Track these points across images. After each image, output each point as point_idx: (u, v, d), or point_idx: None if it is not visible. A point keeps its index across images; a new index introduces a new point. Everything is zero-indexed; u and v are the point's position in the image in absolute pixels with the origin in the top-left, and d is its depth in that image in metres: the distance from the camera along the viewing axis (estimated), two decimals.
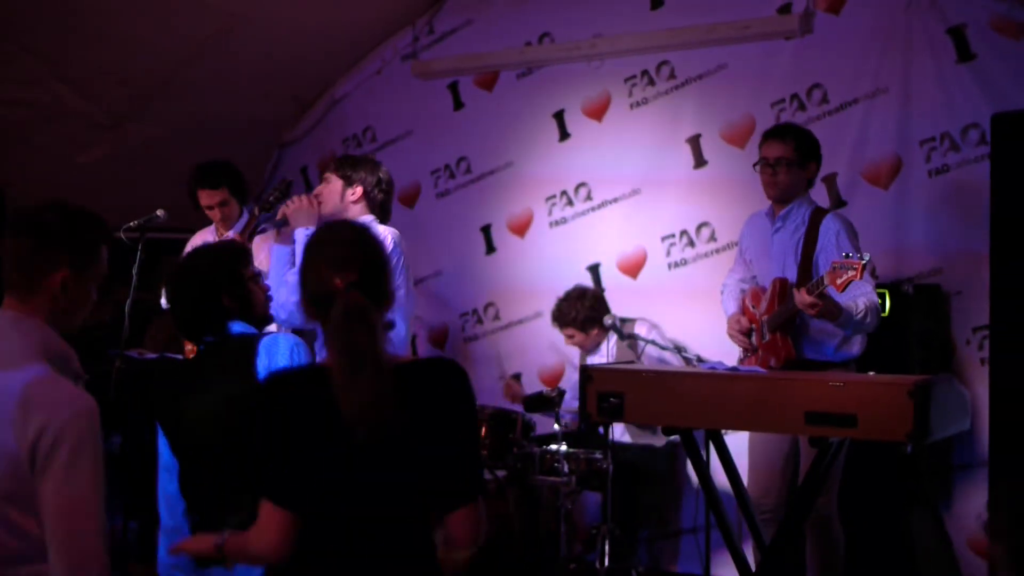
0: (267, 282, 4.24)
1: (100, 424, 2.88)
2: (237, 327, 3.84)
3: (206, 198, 6.28)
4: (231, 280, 3.89)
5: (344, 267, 2.92)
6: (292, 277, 5.21)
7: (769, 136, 5.52)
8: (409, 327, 5.55)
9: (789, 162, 5.39)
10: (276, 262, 5.45)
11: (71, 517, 2.81)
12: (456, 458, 2.89)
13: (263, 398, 2.96)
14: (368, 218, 5.46)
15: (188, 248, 6.30)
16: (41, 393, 2.84)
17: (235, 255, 4.01)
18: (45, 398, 2.84)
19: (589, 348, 6.84)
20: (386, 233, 5.35)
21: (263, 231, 6.08)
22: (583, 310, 6.74)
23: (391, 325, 3.04)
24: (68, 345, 3.04)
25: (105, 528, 2.87)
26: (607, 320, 6.48)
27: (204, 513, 3.70)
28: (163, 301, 6.14)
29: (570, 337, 6.82)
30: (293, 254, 5.42)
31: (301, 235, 5.30)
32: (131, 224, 5.99)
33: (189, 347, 6.12)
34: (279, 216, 5.50)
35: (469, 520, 2.90)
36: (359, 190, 5.51)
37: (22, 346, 2.94)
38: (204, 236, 6.38)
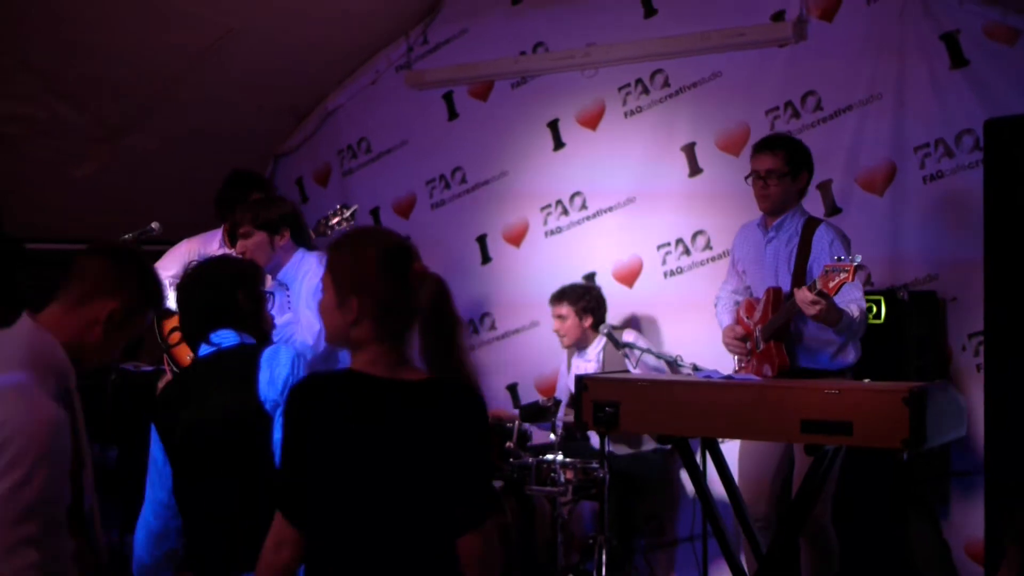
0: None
1: (59, 439, 2.97)
2: (236, 337, 3.82)
3: None
4: (250, 281, 3.91)
5: (416, 260, 2.97)
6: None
7: (759, 148, 5.50)
8: None
9: (781, 174, 5.37)
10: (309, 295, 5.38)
11: None
12: (465, 481, 2.85)
13: (291, 402, 2.95)
14: (299, 253, 5.47)
15: (181, 253, 6.30)
16: (7, 396, 2.95)
17: (256, 268, 4.08)
18: (8, 400, 2.94)
19: (576, 342, 6.82)
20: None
21: None
22: (584, 298, 6.74)
23: None
24: (70, 366, 3.13)
25: (27, 534, 2.90)
26: (603, 329, 6.48)
27: (192, 522, 3.72)
28: (170, 300, 6.13)
29: (561, 319, 6.78)
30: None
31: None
32: (126, 237, 5.98)
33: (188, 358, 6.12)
34: None
35: (476, 545, 2.84)
36: (287, 233, 5.42)
37: (15, 353, 3.04)
38: (207, 244, 6.32)
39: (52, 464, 2.96)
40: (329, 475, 2.85)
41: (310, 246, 5.56)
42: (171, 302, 6.15)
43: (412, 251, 2.98)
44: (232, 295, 3.83)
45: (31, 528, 2.91)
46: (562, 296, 6.80)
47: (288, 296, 5.53)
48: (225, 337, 3.80)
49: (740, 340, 5.48)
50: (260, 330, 3.90)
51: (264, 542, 2.95)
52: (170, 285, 6.21)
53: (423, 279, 2.93)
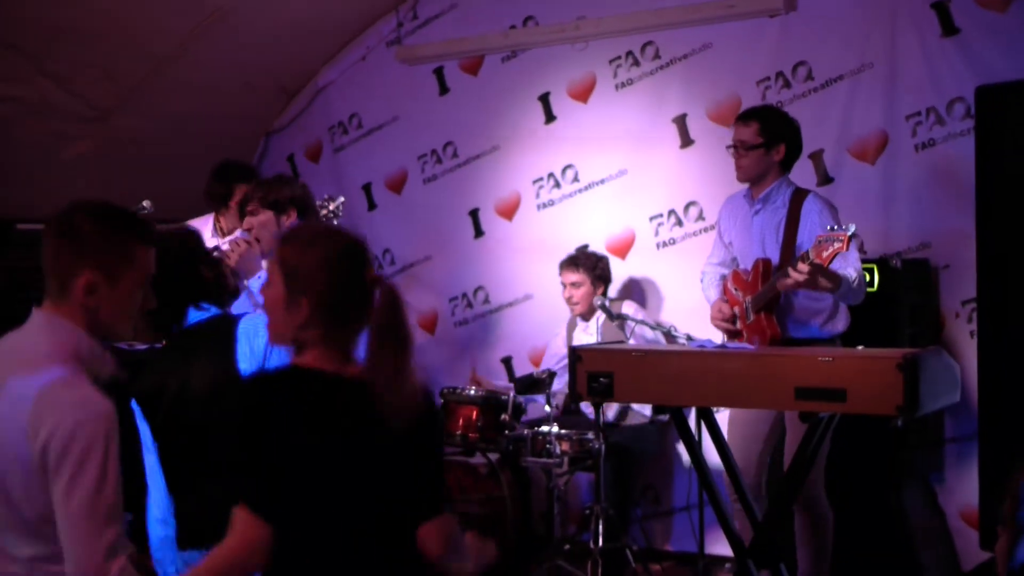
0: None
1: (115, 427, 2.84)
2: (202, 312, 3.79)
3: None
4: (202, 250, 3.93)
5: (370, 264, 2.91)
6: None
7: (737, 119, 5.51)
8: None
9: (751, 146, 5.35)
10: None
11: (74, 523, 2.79)
12: (422, 473, 2.90)
13: (247, 399, 2.88)
14: None
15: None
16: (53, 397, 2.81)
17: (195, 234, 4.07)
18: (57, 402, 2.80)
19: (583, 312, 6.81)
20: None
21: None
22: (599, 266, 6.74)
23: None
24: (102, 349, 2.99)
25: (117, 530, 2.83)
26: (596, 301, 6.48)
27: (183, 498, 3.71)
28: None
29: (575, 286, 6.73)
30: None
31: (256, 285, 4.84)
32: None
33: None
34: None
35: (440, 530, 2.91)
36: (293, 214, 5.36)
37: (46, 348, 2.90)
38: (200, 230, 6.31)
39: (117, 458, 2.84)
40: (295, 473, 2.80)
41: None
42: None
43: (368, 254, 2.91)
44: (196, 269, 3.84)
45: (116, 531, 2.81)
46: (576, 262, 6.76)
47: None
48: (197, 314, 3.79)
49: (728, 321, 5.47)
50: (227, 291, 3.92)
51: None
52: None
53: (376, 285, 2.86)
